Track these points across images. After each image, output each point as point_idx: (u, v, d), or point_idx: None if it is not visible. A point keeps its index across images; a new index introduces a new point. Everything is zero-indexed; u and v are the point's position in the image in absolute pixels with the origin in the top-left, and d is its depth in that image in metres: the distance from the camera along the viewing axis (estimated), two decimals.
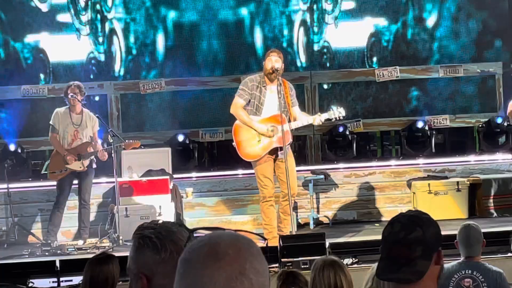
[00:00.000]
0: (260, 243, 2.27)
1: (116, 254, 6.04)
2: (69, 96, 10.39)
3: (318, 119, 9.43)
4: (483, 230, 6.38)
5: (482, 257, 6.36)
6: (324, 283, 4.59)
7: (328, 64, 13.97)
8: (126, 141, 10.57)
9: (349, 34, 13.93)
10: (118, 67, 13.67)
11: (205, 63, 13.80)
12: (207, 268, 1.83)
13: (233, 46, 13.90)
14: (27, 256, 9.78)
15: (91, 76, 13.53)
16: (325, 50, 13.95)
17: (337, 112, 9.56)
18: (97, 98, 13.15)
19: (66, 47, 13.48)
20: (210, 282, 1.83)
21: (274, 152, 9.37)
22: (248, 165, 9.73)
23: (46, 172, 10.97)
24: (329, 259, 4.73)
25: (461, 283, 6.14)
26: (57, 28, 13.55)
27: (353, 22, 13.95)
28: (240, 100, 9.38)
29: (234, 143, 9.51)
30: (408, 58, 13.95)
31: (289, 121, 9.37)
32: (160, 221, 2.58)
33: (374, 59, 13.99)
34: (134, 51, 13.73)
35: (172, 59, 13.74)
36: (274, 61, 9.30)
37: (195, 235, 2.24)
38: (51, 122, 10.57)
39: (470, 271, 6.14)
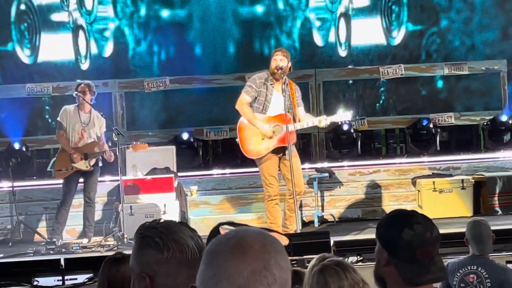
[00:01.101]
0: (284, 241, 2.29)
1: None
2: (76, 95, 10.36)
3: (324, 122, 9.36)
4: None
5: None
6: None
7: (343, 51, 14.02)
8: (134, 142, 10.55)
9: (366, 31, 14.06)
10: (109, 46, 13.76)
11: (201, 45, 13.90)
12: (233, 260, 1.87)
13: (238, 42, 13.94)
14: (32, 254, 9.77)
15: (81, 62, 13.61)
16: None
17: (343, 115, 9.53)
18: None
19: (57, 46, 13.58)
20: (236, 273, 1.86)
21: (279, 151, 9.35)
22: (252, 163, 9.71)
23: (52, 169, 10.97)
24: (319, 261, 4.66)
25: (465, 279, 6.11)
26: (50, 27, 13.63)
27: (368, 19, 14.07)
28: (246, 96, 9.36)
29: (237, 139, 9.51)
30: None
31: (294, 121, 9.35)
32: (162, 220, 2.58)
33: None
34: (123, 25, 13.83)
35: (164, 35, 13.81)
36: (279, 60, 9.29)
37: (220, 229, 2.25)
38: (58, 119, 10.51)
39: (475, 267, 6.11)
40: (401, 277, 2.88)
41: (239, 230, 1.95)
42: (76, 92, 10.38)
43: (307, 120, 9.47)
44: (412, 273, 2.85)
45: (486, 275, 6.07)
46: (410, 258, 2.84)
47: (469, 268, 6.14)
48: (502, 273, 6.10)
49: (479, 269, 6.10)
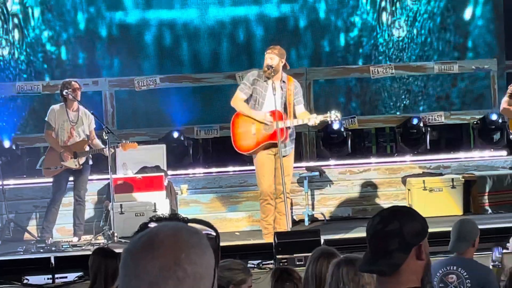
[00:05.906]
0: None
1: None
2: (66, 94, 10.30)
3: (313, 120, 9.38)
4: (478, 227, 6.36)
5: (478, 253, 6.31)
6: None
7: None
8: (123, 141, 10.53)
9: None
10: None
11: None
12: (142, 259, 1.90)
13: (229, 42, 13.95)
14: (22, 253, 9.76)
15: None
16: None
17: (333, 115, 9.51)
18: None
19: None
20: (144, 271, 1.89)
21: (274, 149, 9.31)
22: (243, 161, 9.72)
23: (41, 167, 10.96)
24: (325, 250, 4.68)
25: (444, 279, 6.04)
26: None
27: None
28: (240, 93, 9.45)
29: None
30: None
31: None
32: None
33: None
34: None
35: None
36: (269, 58, 9.33)
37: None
38: (46, 119, 10.51)
39: (455, 267, 6.03)
40: None
41: (156, 227, 1.98)
42: (67, 91, 10.32)
43: (298, 119, 9.47)
44: (363, 260, 2.98)
45: (467, 275, 6.00)
46: (368, 247, 2.96)
47: (448, 269, 6.06)
48: (484, 274, 6.06)
49: (459, 270, 6.03)
